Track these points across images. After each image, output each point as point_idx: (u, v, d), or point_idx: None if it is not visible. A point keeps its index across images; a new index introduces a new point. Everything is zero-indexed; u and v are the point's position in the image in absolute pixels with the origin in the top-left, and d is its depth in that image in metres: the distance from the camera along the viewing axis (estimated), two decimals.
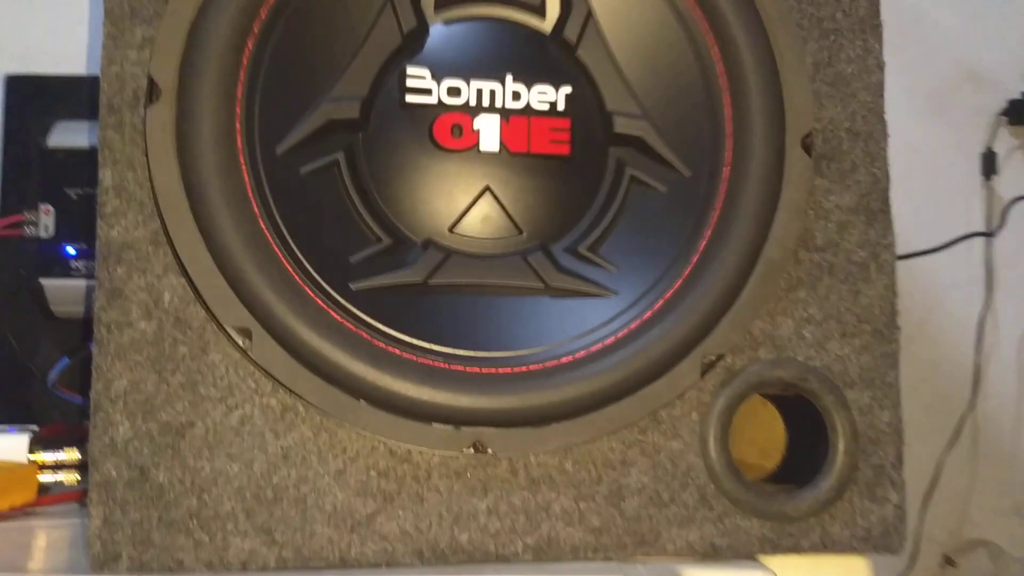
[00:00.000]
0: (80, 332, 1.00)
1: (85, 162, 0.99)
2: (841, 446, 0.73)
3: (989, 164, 1.47)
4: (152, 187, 0.68)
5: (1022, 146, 1.48)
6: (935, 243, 1.42)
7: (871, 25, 0.75)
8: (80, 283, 0.97)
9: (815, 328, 0.73)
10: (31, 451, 0.81)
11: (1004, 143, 1.48)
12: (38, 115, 1.03)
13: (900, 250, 0.76)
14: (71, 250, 0.98)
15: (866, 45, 0.75)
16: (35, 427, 0.83)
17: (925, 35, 1.47)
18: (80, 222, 0.98)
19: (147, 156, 0.67)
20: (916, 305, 1.44)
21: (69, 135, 1.02)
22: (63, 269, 0.98)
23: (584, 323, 0.72)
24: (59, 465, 0.81)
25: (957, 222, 1.45)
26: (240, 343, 0.67)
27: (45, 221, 0.98)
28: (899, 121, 0.78)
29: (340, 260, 0.71)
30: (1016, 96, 1.47)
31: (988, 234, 1.46)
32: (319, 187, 0.72)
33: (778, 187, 0.72)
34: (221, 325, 0.67)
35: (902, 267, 0.76)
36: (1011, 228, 1.46)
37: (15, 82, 1.06)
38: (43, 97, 1.04)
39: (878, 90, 0.75)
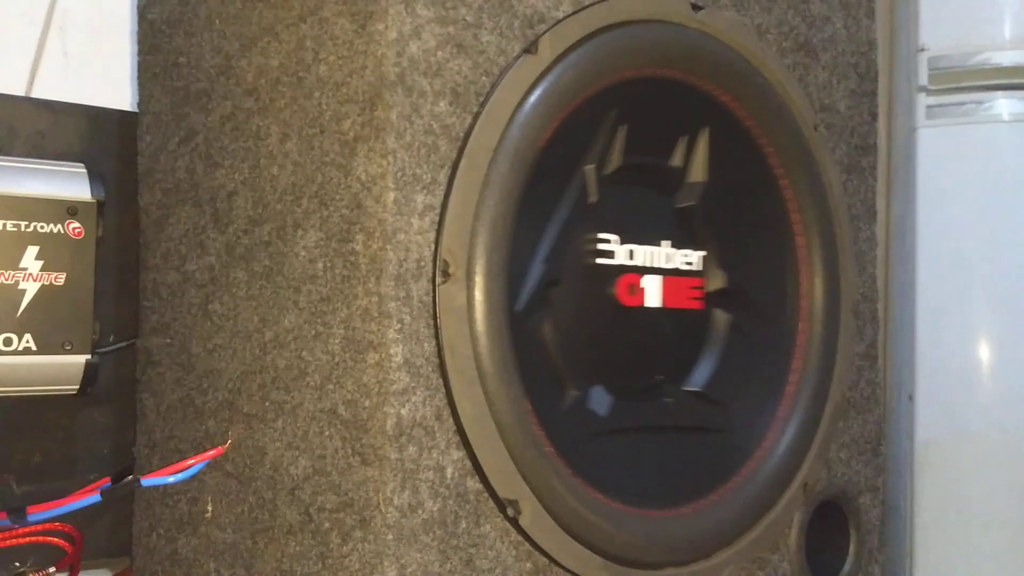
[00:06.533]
0: None
1: None
2: (857, 540, 0.95)
3: None
4: (442, 363, 0.66)
5: None
6: None
7: (871, 213, 0.98)
8: None
9: (846, 451, 0.94)
10: None
11: None
12: None
13: None
14: None
15: (871, 229, 0.97)
16: None
17: None
18: None
19: (437, 332, 0.66)
20: None
21: None
22: None
23: (716, 460, 0.85)
24: None
25: None
26: (510, 513, 0.69)
27: None
28: None
29: (557, 415, 0.75)
30: None
31: None
32: (533, 345, 0.75)
33: (835, 342, 0.91)
34: (496, 496, 0.68)
35: None
36: None
37: None
38: None
39: (874, 264, 0.98)
